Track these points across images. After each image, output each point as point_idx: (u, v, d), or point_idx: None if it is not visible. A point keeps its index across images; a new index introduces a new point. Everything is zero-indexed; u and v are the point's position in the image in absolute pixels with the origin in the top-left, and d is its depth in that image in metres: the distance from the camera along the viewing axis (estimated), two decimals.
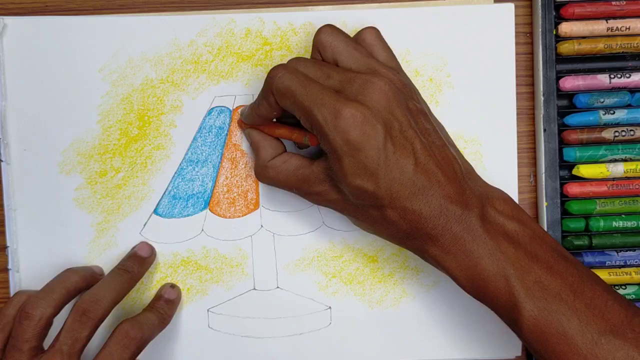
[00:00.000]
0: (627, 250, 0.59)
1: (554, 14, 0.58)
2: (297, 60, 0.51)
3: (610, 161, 0.59)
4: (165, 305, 0.57)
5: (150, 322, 0.54)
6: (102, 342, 0.52)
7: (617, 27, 0.57)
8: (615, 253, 0.59)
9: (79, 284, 0.54)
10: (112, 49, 0.58)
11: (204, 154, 0.59)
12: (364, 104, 0.47)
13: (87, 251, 0.59)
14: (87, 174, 0.59)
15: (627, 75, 0.58)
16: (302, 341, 0.60)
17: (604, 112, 0.58)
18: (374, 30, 0.53)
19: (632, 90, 0.59)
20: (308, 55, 0.57)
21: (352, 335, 0.60)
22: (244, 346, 0.60)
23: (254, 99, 0.55)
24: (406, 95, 0.50)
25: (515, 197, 0.59)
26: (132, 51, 0.58)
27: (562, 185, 0.59)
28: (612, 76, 0.58)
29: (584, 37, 0.58)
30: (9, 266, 0.58)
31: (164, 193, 0.59)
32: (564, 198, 0.59)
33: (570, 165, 0.59)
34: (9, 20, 0.57)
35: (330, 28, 0.52)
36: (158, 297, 0.58)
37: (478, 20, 0.59)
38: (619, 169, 0.58)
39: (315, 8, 0.59)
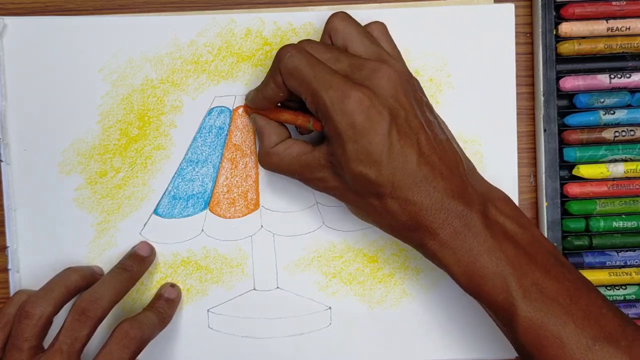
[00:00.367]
0: (627, 251, 0.59)
1: (554, 14, 0.58)
2: (308, 41, 0.51)
3: (611, 161, 0.59)
4: (165, 305, 0.57)
5: (150, 322, 0.54)
6: (102, 341, 0.52)
7: (617, 27, 0.57)
8: (616, 253, 0.59)
9: (78, 283, 0.54)
10: (112, 49, 0.58)
11: (204, 154, 0.59)
12: (372, 89, 0.47)
13: (87, 251, 0.59)
14: (87, 174, 0.59)
15: (627, 75, 0.58)
16: (302, 341, 0.60)
17: (604, 112, 0.58)
18: (382, 25, 0.53)
19: (632, 90, 0.59)
20: None
21: (352, 336, 0.60)
22: (244, 346, 0.60)
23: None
24: (413, 86, 0.50)
25: (515, 197, 0.59)
26: (132, 51, 0.58)
27: (562, 185, 0.59)
28: (612, 76, 0.58)
29: (584, 37, 0.58)
30: (9, 266, 0.58)
31: (164, 193, 0.59)
32: (564, 198, 0.59)
33: (570, 166, 0.59)
34: (9, 20, 0.57)
35: (344, 14, 0.52)
36: (158, 296, 0.58)
37: (478, 20, 0.58)
38: (619, 169, 0.58)
39: (316, 8, 0.59)
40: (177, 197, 0.59)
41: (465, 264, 0.48)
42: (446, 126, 0.53)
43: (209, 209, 0.59)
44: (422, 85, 0.57)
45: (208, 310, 0.60)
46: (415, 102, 0.49)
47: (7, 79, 0.58)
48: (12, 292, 0.58)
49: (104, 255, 0.59)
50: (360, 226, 0.59)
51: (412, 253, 0.55)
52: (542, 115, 0.58)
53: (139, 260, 0.57)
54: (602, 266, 0.59)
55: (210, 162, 0.59)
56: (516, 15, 0.59)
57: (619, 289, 0.59)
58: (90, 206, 0.59)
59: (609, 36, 0.58)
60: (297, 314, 0.60)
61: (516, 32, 0.59)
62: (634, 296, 0.59)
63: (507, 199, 0.51)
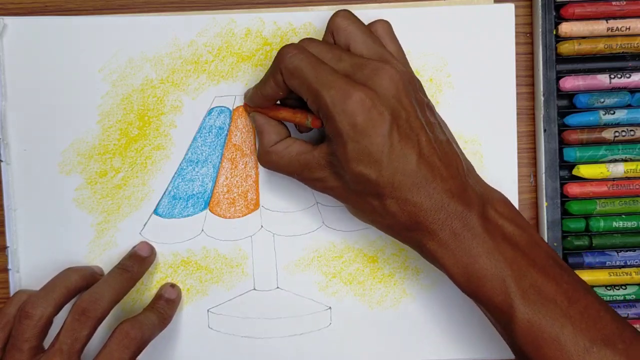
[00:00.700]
0: (627, 251, 0.59)
1: (554, 14, 0.58)
2: (309, 40, 0.51)
3: (611, 161, 0.59)
4: (165, 305, 0.57)
5: (150, 322, 0.54)
6: (102, 342, 0.52)
7: (617, 27, 0.57)
8: (616, 253, 0.59)
9: (79, 283, 0.54)
10: (112, 49, 0.58)
11: (204, 154, 0.59)
12: (373, 90, 0.47)
13: (87, 251, 0.59)
14: (87, 174, 0.59)
15: (627, 75, 0.58)
16: (302, 341, 0.60)
17: (604, 112, 0.58)
18: (386, 24, 0.53)
19: (632, 90, 0.59)
20: None
21: (352, 336, 0.60)
22: (244, 346, 0.60)
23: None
24: (415, 86, 0.50)
25: (515, 197, 0.59)
26: (132, 51, 0.58)
27: (562, 185, 0.59)
28: (612, 76, 0.58)
29: (584, 37, 0.58)
30: (9, 266, 0.58)
31: (164, 193, 0.59)
32: (564, 198, 0.59)
33: (570, 166, 0.59)
34: (9, 20, 0.57)
35: (347, 12, 0.51)
36: (158, 296, 0.58)
37: (478, 20, 0.58)
38: (619, 169, 0.58)
39: (316, 8, 0.59)
40: (177, 197, 0.59)
41: (464, 265, 0.48)
42: (447, 127, 0.53)
43: (209, 209, 0.59)
44: (422, 85, 0.57)
45: (208, 310, 0.60)
46: (416, 103, 0.49)
47: (7, 78, 0.58)
48: (12, 292, 0.58)
49: (104, 255, 0.59)
50: (360, 226, 0.59)
51: (412, 253, 0.55)
52: (542, 115, 0.58)
53: (139, 261, 0.57)
54: (602, 266, 0.59)
55: (210, 162, 0.59)
56: (516, 15, 0.59)
57: (619, 289, 0.59)
58: (90, 206, 0.59)
59: (609, 36, 0.58)
60: (297, 314, 0.60)
61: (516, 32, 0.59)
62: (634, 296, 0.59)
63: (505, 201, 0.51)
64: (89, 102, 0.58)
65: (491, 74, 0.59)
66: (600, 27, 0.58)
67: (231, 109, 0.59)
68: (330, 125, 0.47)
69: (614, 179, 0.59)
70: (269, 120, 0.54)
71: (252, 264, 0.60)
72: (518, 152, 0.59)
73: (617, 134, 0.58)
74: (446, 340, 0.60)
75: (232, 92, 0.59)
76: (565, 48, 0.58)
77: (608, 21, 0.58)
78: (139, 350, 0.52)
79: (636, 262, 0.59)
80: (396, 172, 0.47)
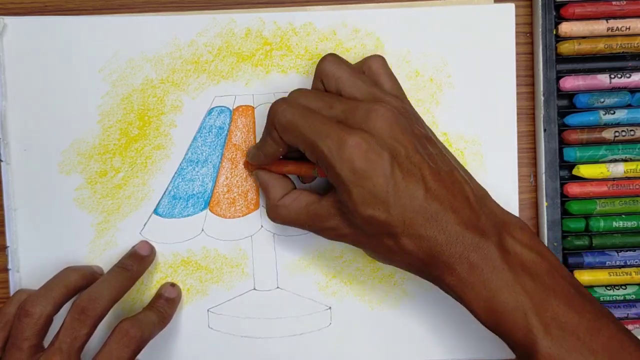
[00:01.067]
0: (627, 251, 0.59)
1: (554, 14, 0.58)
2: (299, 92, 0.51)
3: (611, 161, 0.59)
4: (165, 304, 0.57)
5: (150, 321, 0.54)
6: (101, 340, 0.52)
7: (617, 27, 0.57)
8: (616, 253, 0.59)
9: (78, 282, 0.54)
10: (112, 49, 0.58)
11: (204, 154, 0.59)
12: (368, 132, 0.46)
13: (87, 251, 0.59)
14: (87, 174, 0.59)
15: (627, 75, 0.58)
16: (302, 341, 0.60)
17: (604, 112, 0.58)
18: (380, 59, 0.53)
19: (632, 90, 0.59)
20: (308, 55, 0.58)
21: (352, 336, 0.60)
22: (244, 346, 0.60)
23: (253, 100, 0.55)
24: (410, 120, 0.50)
25: (515, 197, 0.59)
26: (132, 51, 0.58)
27: (562, 185, 0.59)
28: (612, 76, 0.58)
29: (584, 37, 0.58)
30: (9, 266, 0.58)
31: (164, 193, 0.59)
32: (564, 198, 0.59)
33: (570, 165, 0.59)
34: (9, 20, 0.57)
35: (333, 57, 0.51)
36: (158, 296, 0.58)
37: (478, 20, 0.59)
38: (619, 169, 0.58)
39: (316, 8, 0.59)
40: (177, 197, 0.59)
41: (484, 299, 0.47)
42: (451, 155, 0.52)
43: (209, 209, 0.59)
44: (422, 85, 0.57)
45: (208, 310, 0.60)
46: (414, 137, 0.48)
47: (7, 78, 0.58)
48: (12, 292, 0.58)
49: (104, 255, 0.59)
50: None
51: None
52: (542, 115, 0.58)
53: (138, 260, 0.57)
54: (602, 266, 0.59)
55: (210, 161, 0.59)
56: (516, 15, 0.59)
57: (619, 289, 0.59)
58: (90, 206, 0.59)
59: (609, 36, 0.58)
60: (297, 314, 0.60)
61: (516, 32, 0.59)
62: (634, 296, 0.59)
63: (523, 226, 0.50)
64: (89, 102, 0.58)
65: (491, 73, 0.59)
66: (600, 27, 0.58)
67: (231, 108, 0.59)
68: (332, 174, 0.47)
69: (614, 179, 0.59)
70: (273, 175, 0.55)
71: (252, 264, 0.60)
72: (518, 152, 0.59)
73: (617, 133, 0.58)
74: (446, 340, 0.60)
75: (232, 92, 0.59)
76: (565, 48, 0.58)
77: (608, 21, 0.58)
78: (138, 349, 0.52)
79: (636, 262, 0.59)
80: (405, 210, 0.46)
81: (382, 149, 0.46)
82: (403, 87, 0.55)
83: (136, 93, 0.59)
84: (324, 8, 0.59)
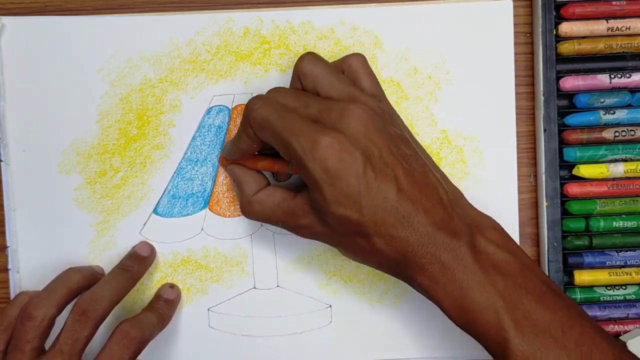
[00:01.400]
0: (627, 251, 0.59)
1: (554, 13, 0.58)
2: (277, 90, 0.51)
3: (611, 161, 0.59)
4: (164, 306, 0.57)
5: (150, 322, 0.54)
6: (102, 342, 0.52)
7: (617, 27, 0.57)
8: (616, 253, 0.59)
9: (80, 283, 0.54)
10: (111, 48, 0.58)
11: (203, 153, 0.59)
12: (342, 132, 0.46)
13: (86, 251, 0.59)
14: (86, 174, 0.59)
15: (628, 75, 0.58)
16: (302, 340, 0.60)
17: (604, 112, 0.58)
18: (360, 57, 0.53)
19: (633, 90, 0.58)
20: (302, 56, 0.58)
21: (353, 334, 0.60)
22: (244, 345, 0.60)
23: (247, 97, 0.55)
24: (386, 121, 0.49)
25: (515, 197, 0.59)
26: (131, 51, 0.58)
27: (562, 185, 0.59)
28: (612, 76, 0.58)
29: (584, 37, 0.58)
30: (9, 266, 0.58)
31: (164, 192, 0.59)
32: (564, 198, 0.59)
33: (570, 165, 0.59)
34: (8, 20, 0.57)
35: (311, 56, 0.51)
36: (157, 297, 0.58)
37: (477, 17, 0.58)
38: (619, 169, 0.58)
39: (314, 6, 0.59)
40: (177, 197, 0.59)
41: (455, 299, 0.47)
42: (427, 155, 0.52)
43: (209, 208, 0.59)
44: (421, 82, 0.56)
45: (208, 309, 0.60)
46: (388, 138, 0.48)
47: (5, 78, 0.58)
48: (12, 292, 0.59)
49: (104, 256, 0.59)
50: None
51: None
52: (542, 115, 0.58)
53: (139, 260, 0.57)
54: (602, 266, 0.59)
55: (209, 161, 0.59)
56: (516, 15, 0.59)
57: (619, 289, 0.59)
58: (89, 206, 0.59)
59: (609, 36, 0.58)
60: (297, 313, 0.60)
61: (516, 32, 0.59)
62: (634, 296, 0.59)
63: (496, 227, 0.50)
64: (88, 102, 0.58)
65: (490, 70, 0.59)
66: (600, 27, 0.57)
67: (230, 107, 0.59)
68: (305, 173, 0.47)
69: (614, 179, 0.59)
70: (247, 170, 0.55)
71: (252, 263, 0.60)
72: (518, 152, 0.59)
73: (617, 133, 0.58)
74: (446, 338, 0.60)
75: (231, 90, 0.59)
76: (565, 48, 0.57)
77: (608, 21, 0.57)
78: (139, 350, 0.52)
79: (636, 262, 0.59)
80: (377, 210, 0.46)
81: (355, 149, 0.46)
82: (401, 85, 0.55)
83: (135, 93, 0.59)
84: (322, 6, 0.59)
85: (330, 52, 0.59)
